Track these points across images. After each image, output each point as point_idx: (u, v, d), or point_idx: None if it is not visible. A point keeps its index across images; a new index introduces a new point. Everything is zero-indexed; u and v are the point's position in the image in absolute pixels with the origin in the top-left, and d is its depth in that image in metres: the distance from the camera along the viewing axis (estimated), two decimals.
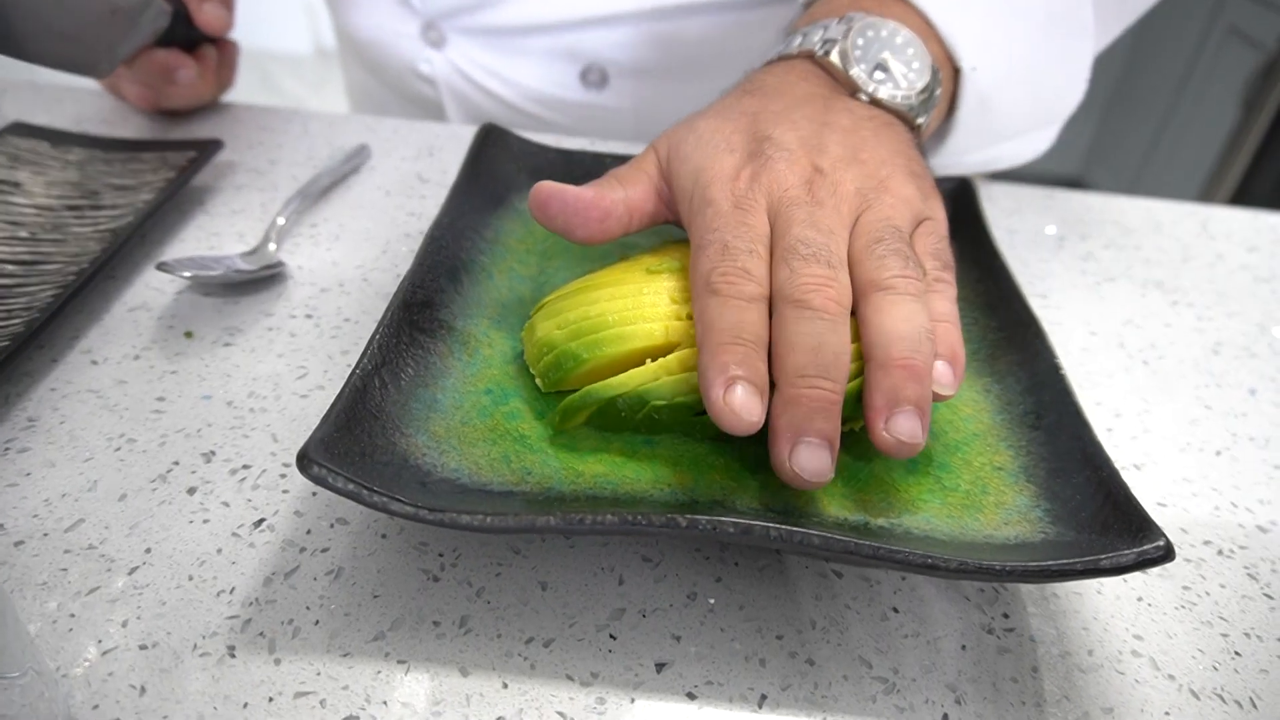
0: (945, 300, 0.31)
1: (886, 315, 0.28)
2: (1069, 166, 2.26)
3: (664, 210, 0.34)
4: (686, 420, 0.29)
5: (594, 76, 0.59)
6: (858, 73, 0.36)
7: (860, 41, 0.36)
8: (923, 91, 0.36)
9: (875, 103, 0.36)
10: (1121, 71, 2.09)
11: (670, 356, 0.29)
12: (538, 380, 0.31)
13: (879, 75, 0.36)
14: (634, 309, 0.30)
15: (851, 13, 0.37)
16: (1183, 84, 1.91)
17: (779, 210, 0.31)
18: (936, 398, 0.28)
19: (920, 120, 0.37)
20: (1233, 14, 1.78)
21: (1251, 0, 1.72)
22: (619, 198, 0.33)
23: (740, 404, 0.26)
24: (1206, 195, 1.80)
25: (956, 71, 0.39)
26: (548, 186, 0.32)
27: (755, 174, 0.31)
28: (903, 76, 0.36)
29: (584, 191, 0.33)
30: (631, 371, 0.29)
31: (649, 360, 0.29)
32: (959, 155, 0.44)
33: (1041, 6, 0.40)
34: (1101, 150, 2.20)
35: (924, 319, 0.28)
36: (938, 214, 0.34)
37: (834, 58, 0.36)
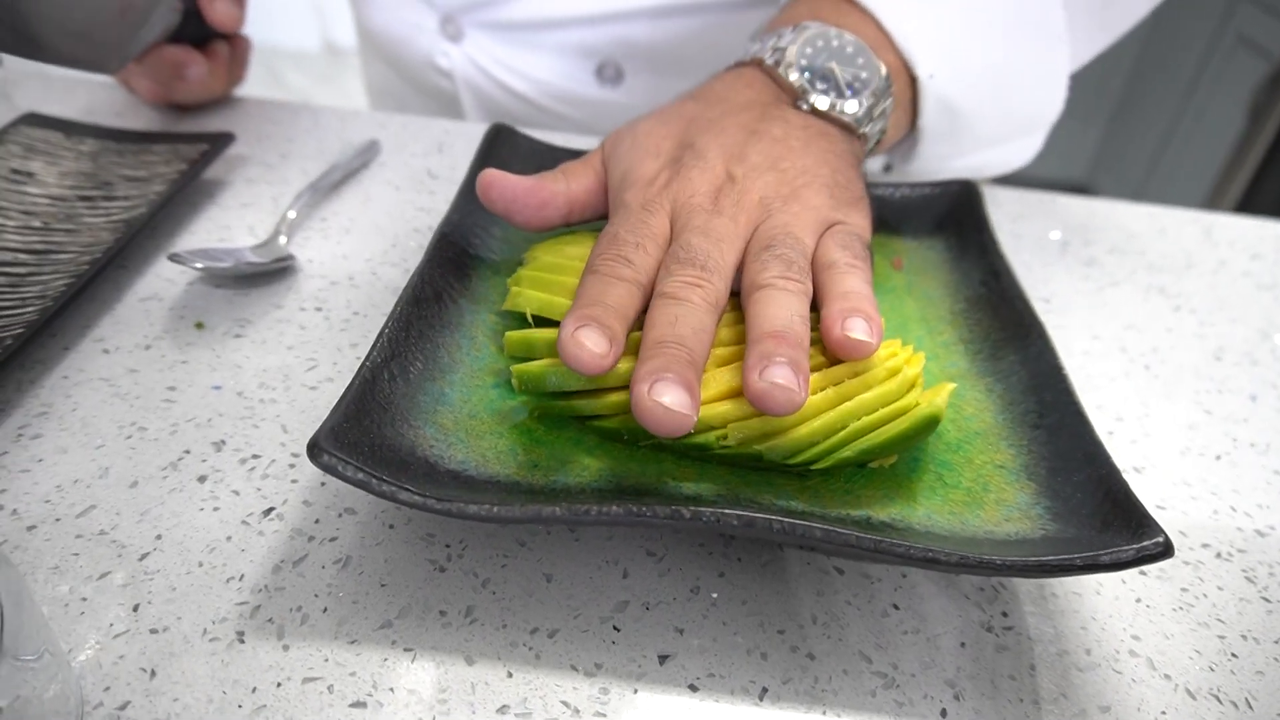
0: (856, 279, 0.31)
1: (761, 306, 0.29)
2: (1075, 173, 2.26)
3: (605, 205, 0.35)
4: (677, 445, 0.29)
5: (609, 72, 0.60)
6: (799, 81, 0.37)
7: (809, 50, 0.37)
8: (870, 101, 0.37)
9: (814, 112, 0.37)
10: (1129, 79, 2.09)
11: None
12: (514, 380, 0.30)
13: (820, 85, 0.37)
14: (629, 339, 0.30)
15: (807, 21, 0.38)
16: (1190, 92, 1.91)
17: (679, 216, 0.32)
18: (858, 352, 0.29)
19: (865, 130, 0.37)
20: (1241, 23, 1.78)
21: (1261, 9, 1.72)
22: (559, 189, 0.35)
23: (589, 342, 0.27)
24: (1212, 203, 1.80)
25: (915, 79, 0.39)
26: (492, 173, 0.34)
27: (668, 181, 0.33)
28: (847, 86, 0.37)
29: (525, 180, 0.34)
30: (624, 399, 0.29)
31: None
32: (941, 162, 0.45)
33: (1004, 14, 0.41)
34: (1108, 157, 2.20)
35: (798, 309, 0.29)
36: (852, 219, 0.34)
37: (781, 67, 0.37)
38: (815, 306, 0.32)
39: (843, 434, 0.29)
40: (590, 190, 0.35)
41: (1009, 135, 0.45)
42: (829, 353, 0.30)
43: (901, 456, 0.30)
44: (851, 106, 0.37)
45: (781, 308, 0.29)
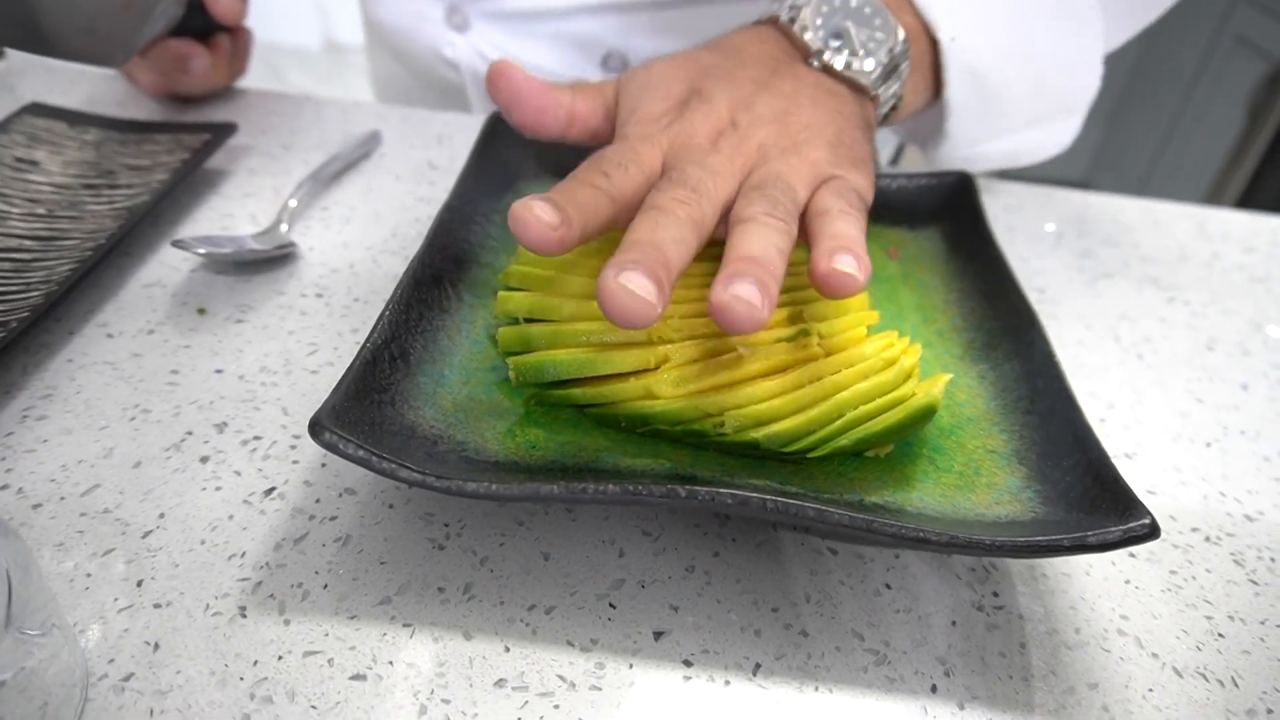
0: (848, 223, 0.31)
1: (739, 237, 0.29)
2: (1075, 172, 2.27)
3: (607, 133, 0.35)
4: (673, 431, 0.30)
5: (614, 63, 0.60)
6: (813, 39, 0.37)
7: (825, 9, 0.37)
8: (885, 61, 0.37)
9: (828, 71, 0.36)
10: (1128, 78, 2.09)
11: (662, 376, 0.29)
12: (511, 372, 0.31)
13: (834, 43, 0.36)
14: (616, 329, 0.30)
15: None
16: (1189, 91, 1.91)
17: (675, 152, 0.32)
18: (847, 288, 0.29)
19: (878, 91, 0.37)
20: (1240, 23, 1.78)
21: (1259, 10, 1.73)
22: (564, 100, 0.34)
23: (544, 213, 0.27)
24: (1211, 202, 1.80)
25: (936, 44, 0.39)
26: (503, 65, 0.33)
27: (670, 121, 0.33)
28: (861, 45, 0.36)
29: (534, 81, 0.34)
30: (621, 388, 0.30)
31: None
32: (973, 146, 0.44)
33: None
34: (1107, 156, 2.21)
35: (777, 242, 0.29)
36: (851, 176, 0.34)
37: (797, 25, 0.37)
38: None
39: (839, 423, 0.29)
40: (594, 113, 0.35)
41: (1042, 116, 0.44)
42: (816, 286, 0.29)
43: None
44: (866, 65, 0.36)
45: (759, 239, 0.29)
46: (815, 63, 0.37)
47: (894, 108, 0.39)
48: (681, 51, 0.37)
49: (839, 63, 0.36)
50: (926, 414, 0.30)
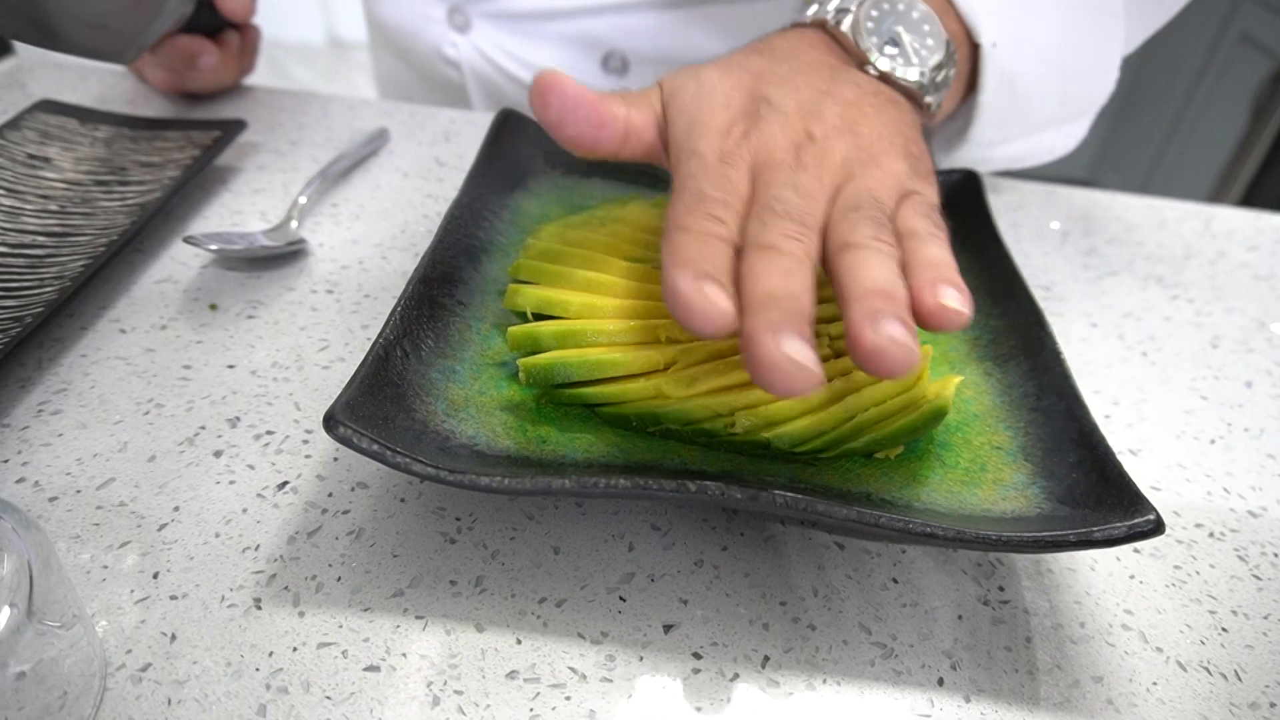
0: (940, 248, 0.30)
1: (859, 266, 0.27)
2: (1078, 170, 2.26)
3: (659, 148, 0.34)
4: (683, 431, 0.30)
5: (615, 63, 0.61)
6: (868, 45, 0.36)
7: (875, 14, 0.36)
8: (935, 69, 0.36)
9: (883, 78, 0.36)
10: (1132, 76, 2.09)
11: (672, 377, 0.30)
12: (521, 374, 0.31)
13: (890, 49, 0.36)
14: (630, 329, 0.31)
15: None
16: (1193, 89, 1.91)
17: (761, 171, 0.30)
18: (952, 323, 0.27)
19: (929, 99, 0.37)
20: (1245, 21, 1.78)
21: (1263, 8, 1.72)
22: (620, 114, 0.32)
23: (716, 296, 0.25)
24: (1214, 200, 1.80)
25: (976, 49, 0.39)
26: (552, 76, 0.30)
27: (745, 132, 0.31)
28: (914, 53, 0.36)
29: (588, 92, 0.31)
30: (632, 388, 0.30)
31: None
32: (988, 148, 0.44)
33: None
34: (1111, 154, 2.21)
35: (896, 270, 0.28)
36: (927, 191, 0.33)
37: (845, 28, 0.36)
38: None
39: (850, 425, 0.29)
40: (649, 127, 0.33)
41: (1060, 119, 0.44)
42: (919, 319, 0.27)
43: None
44: (917, 74, 0.36)
45: (881, 266, 0.27)
46: (871, 70, 0.36)
47: (931, 114, 0.38)
48: (726, 56, 0.36)
49: (899, 72, 0.36)
50: (937, 416, 0.30)
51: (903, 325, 0.25)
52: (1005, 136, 0.43)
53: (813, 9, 0.38)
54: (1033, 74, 0.40)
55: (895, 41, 0.36)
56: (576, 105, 0.31)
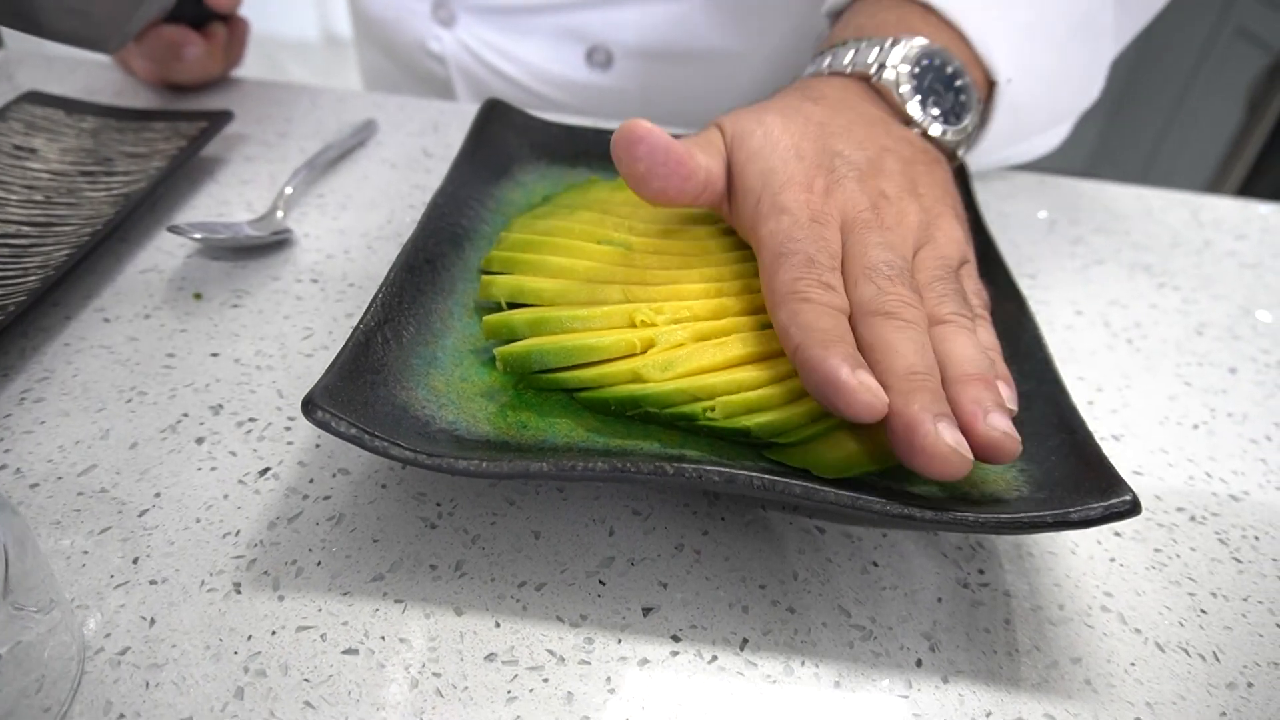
0: (990, 333, 0.32)
1: (953, 343, 0.29)
2: (1075, 164, 2.26)
3: (725, 194, 0.34)
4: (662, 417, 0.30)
5: (599, 57, 0.60)
6: (913, 104, 0.37)
7: (916, 70, 0.37)
8: (967, 126, 0.37)
9: (925, 135, 0.37)
10: (1128, 71, 2.09)
11: (649, 360, 0.30)
12: (498, 363, 0.31)
13: (934, 112, 0.37)
14: (605, 313, 0.31)
15: (903, 35, 0.37)
16: (1189, 84, 1.91)
17: (851, 229, 0.31)
18: (1003, 453, 0.27)
19: (961, 153, 0.38)
20: (1241, 15, 1.78)
21: (1259, 2, 1.72)
22: (702, 164, 0.32)
23: (873, 385, 0.26)
24: (1210, 194, 1.80)
25: (989, 84, 0.39)
26: (643, 127, 0.30)
27: (828, 189, 0.32)
28: (952, 112, 0.37)
29: (674, 145, 0.31)
30: (609, 371, 0.30)
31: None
32: (981, 157, 0.44)
33: (1066, 13, 0.41)
34: (1107, 148, 2.21)
35: (982, 349, 0.29)
36: (972, 256, 0.35)
37: (889, 85, 0.37)
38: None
39: (831, 419, 0.29)
40: (722, 176, 0.33)
41: (1047, 127, 0.45)
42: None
43: None
44: (955, 133, 0.37)
45: (972, 346, 0.29)
46: (916, 129, 0.37)
47: None
48: (779, 100, 0.36)
49: (937, 131, 0.37)
50: None
51: (1005, 416, 0.26)
52: (992, 149, 0.44)
53: (849, 56, 0.38)
54: (1034, 98, 0.41)
55: (938, 103, 0.37)
56: (666, 158, 0.31)
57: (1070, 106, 0.45)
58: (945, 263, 0.32)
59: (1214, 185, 1.79)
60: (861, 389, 0.25)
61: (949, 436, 0.25)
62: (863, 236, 0.31)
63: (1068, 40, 0.41)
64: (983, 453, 0.26)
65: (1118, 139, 2.17)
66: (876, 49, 0.37)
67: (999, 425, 0.26)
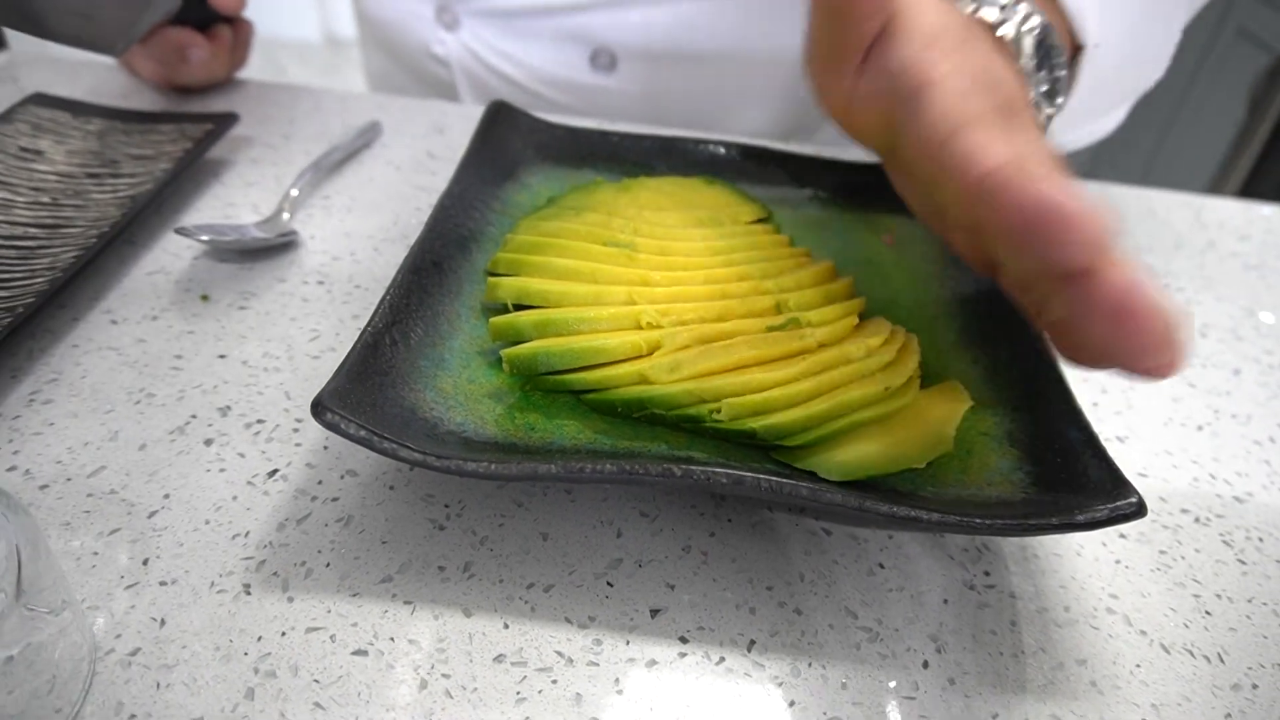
0: None
1: None
2: (1076, 164, 2.26)
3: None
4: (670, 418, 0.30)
5: (603, 60, 0.61)
6: (1033, 83, 0.35)
7: (1038, 45, 0.34)
8: (1063, 103, 0.36)
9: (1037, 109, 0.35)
10: None
11: (655, 361, 0.30)
12: (504, 365, 0.31)
13: (1044, 88, 0.35)
14: (610, 315, 0.31)
15: (1023, 4, 0.34)
16: (1190, 84, 1.91)
17: None
18: None
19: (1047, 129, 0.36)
20: (1241, 15, 1.78)
21: (1260, 2, 1.72)
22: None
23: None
24: (1212, 194, 1.80)
25: (1074, 50, 0.37)
26: (1150, 303, 0.23)
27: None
28: (1055, 89, 0.35)
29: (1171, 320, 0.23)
30: (615, 373, 0.30)
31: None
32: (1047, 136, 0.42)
33: None
34: (1108, 148, 2.20)
35: None
36: None
37: (1013, 48, 0.34)
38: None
39: (842, 423, 0.29)
40: None
41: (1117, 104, 0.43)
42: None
43: None
44: (1052, 111, 0.36)
45: None
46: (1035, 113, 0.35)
47: None
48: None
49: (1047, 113, 0.35)
50: (935, 447, 0.29)
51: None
52: (1064, 126, 0.41)
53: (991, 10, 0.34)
54: (1112, 71, 0.39)
55: (1051, 81, 0.35)
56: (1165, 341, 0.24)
57: (1139, 82, 0.43)
58: None
59: (1215, 185, 1.79)
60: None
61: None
62: None
63: (1146, 7, 0.40)
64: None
65: (1119, 139, 2.16)
66: (998, 7, 0.34)
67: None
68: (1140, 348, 0.23)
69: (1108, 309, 0.23)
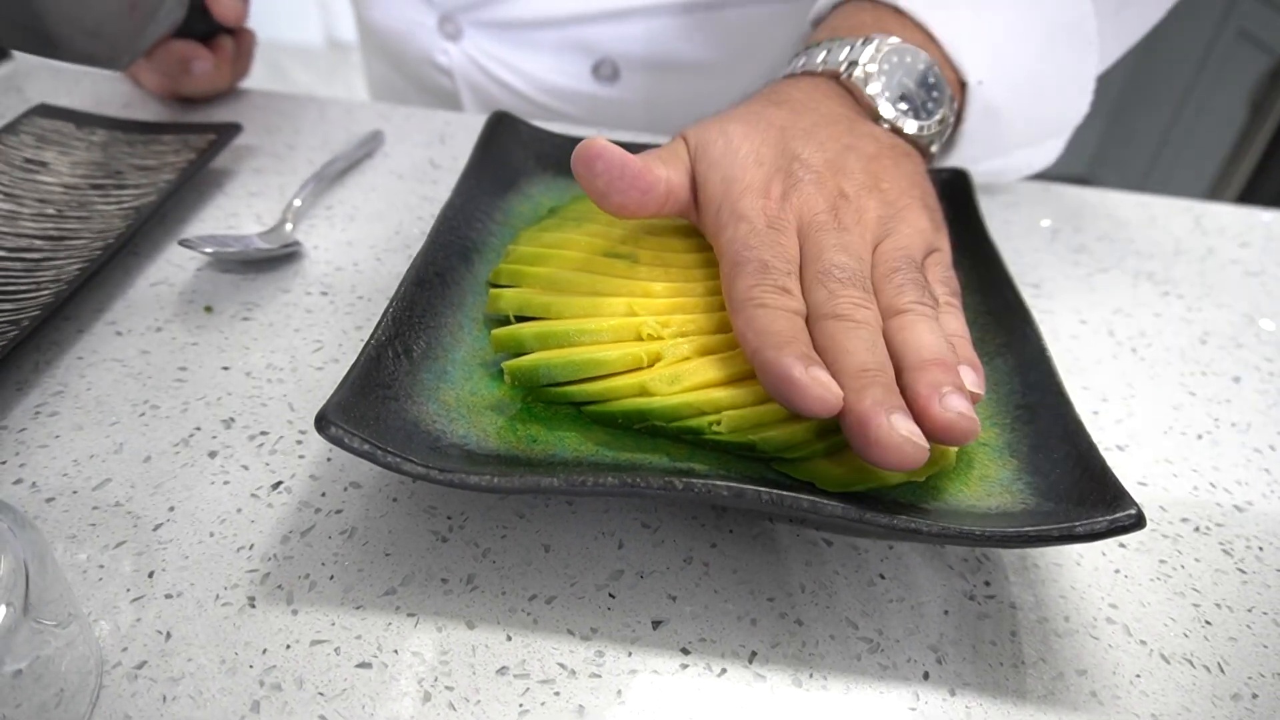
0: (957, 320, 0.32)
1: (911, 332, 0.29)
2: (1076, 168, 2.26)
3: (692, 203, 0.34)
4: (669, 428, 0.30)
5: (605, 70, 0.61)
6: (883, 104, 0.37)
7: (885, 68, 0.37)
8: (940, 121, 0.38)
9: (895, 130, 0.37)
10: (1130, 73, 2.09)
11: (656, 373, 0.30)
12: (506, 376, 0.31)
13: (902, 106, 0.37)
14: (611, 327, 0.31)
15: (875, 34, 0.38)
16: (1191, 86, 1.91)
17: (808, 233, 0.32)
18: (958, 434, 0.27)
19: (934, 148, 0.38)
20: (1242, 17, 1.78)
21: (1261, 3, 1.73)
22: (662, 176, 0.33)
23: (827, 380, 0.26)
24: (1212, 197, 1.80)
25: (962, 85, 0.40)
26: (599, 144, 0.31)
27: (785, 193, 0.32)
28: (923, 107, 0.37)
29: (632, 159, 0.32)
30: (616, 385, 0.30)
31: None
32: (969, 164, 0.45)
33: (1045, 20, 0.41)
34: (1108, 152, 2.21)
35: (943, 335, 0.29)
36: (944, 245, 0.35)
37: (859, 82, 0.37)
38: None
39: (838, 438, 0.29)
40: (684, 185, 0.34)
41: (1036, 139, 0.45)
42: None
43: None
44: (928, 127, 0.37)
45: (930, 333, 0.29)
46: (884, 124, 0.37)
47: None
48: (744, 107, 0.36)
49: (909, 127, 0.37)
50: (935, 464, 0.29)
51: (963, 397, 0.27)
52: (979, 157, 0.44)
53: (821, 55, 0.39)
54: (1012, 103, 0.41)
55: (906, 97, 0.37)
56: (622, 173, 0.32)
57: (1057, 118, 0.45)
58: (905, 254, 0.32)
59: (1216, 188, 1.79)
60: (814, 384, 0.26)
61: (902, 427, 0.25)
62: (818, 240, 0.31)
63: (1047, 48, 0.42)
64: (939, 435, 0.26)
65: (1119, 142, 2.17)
66: (848, 48, 0.38)
67: (954, 406, 0.26)
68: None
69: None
